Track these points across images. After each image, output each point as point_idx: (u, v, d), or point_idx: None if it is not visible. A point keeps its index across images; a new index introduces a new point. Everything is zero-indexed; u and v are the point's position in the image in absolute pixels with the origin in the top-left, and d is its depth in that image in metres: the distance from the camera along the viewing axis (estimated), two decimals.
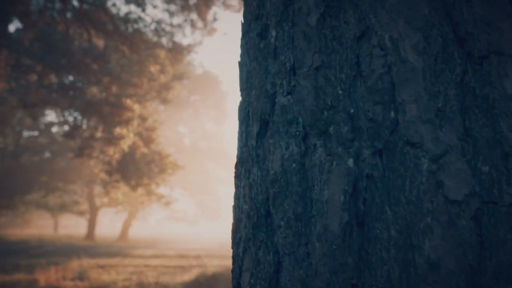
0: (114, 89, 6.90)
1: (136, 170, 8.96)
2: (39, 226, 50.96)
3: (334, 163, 0.74)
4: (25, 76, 7.28)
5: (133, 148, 8.42)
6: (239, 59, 1.19)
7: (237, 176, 1.05)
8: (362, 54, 0.76)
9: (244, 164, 0.96)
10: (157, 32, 8.95)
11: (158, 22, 9.49)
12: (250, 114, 0.97)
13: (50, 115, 30.48)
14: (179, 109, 32.72)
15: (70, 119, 32.56)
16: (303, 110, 0.78)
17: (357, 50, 0.77)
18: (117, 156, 8.21)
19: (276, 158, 0.83)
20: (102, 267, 15.59)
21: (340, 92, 0.76)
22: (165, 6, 8.97)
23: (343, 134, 0.74)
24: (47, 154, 30.87)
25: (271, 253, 0.85)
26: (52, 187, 30.46)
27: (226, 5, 10.17)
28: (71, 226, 60.94)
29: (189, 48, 8.79)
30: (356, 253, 0.71)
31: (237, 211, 1.05)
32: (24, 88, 6.83)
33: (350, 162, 0.72)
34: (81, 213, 32.79)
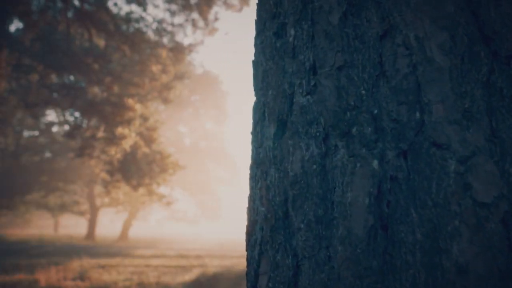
0: (115, 88, 6.88)
1: (138, 170, 8.94)
2: (39, 226, 50.93)
3: (358, 164, 0.72)
4: (26, 76, 7.25)
5: (134, 148, 8.40)
6: (252, 58, 1.18)
7: (252, 178, 1.03)
8: (385, 53, 0.75)
9: (260, 165, 0.95)
10: (158, 31, 8.93)
11: (159, 21, 9.48)
12: (266, 114, 0.95)
13: (50, 115, 30.46)
14: (179, 109, 32.70)
15: (71, 119, 32.57)
16: (324, 110, 0.77)
17: (380, 49, 0.75)
18: (118, 156, 8.18)
19: (296, 159, 0.82)
20: (102, 267, 15.57)
21: (363, 92, 0.74)
22: (166, 5, 8.94)
23: (367, 135, 0.73)
24: (47, 154, 30.86)
25: (290, 256, 0.83)
26: (52, 187, 30.43)
27: (227, 5, 10.15)
28: (71, 226, 60.92)
29: (190, 48, 8.77)
30: (380, 257, 0.70)
31: (252, 213, 1.03)
32: (26, 88, 6.80)
33: (375, 163, 0.71)
34: (81, 213, 32.77)
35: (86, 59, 6.88)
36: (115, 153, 7.98)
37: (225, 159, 36.34)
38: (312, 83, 0.82)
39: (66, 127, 32.52)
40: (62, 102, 9.21)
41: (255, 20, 1.12)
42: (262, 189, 0.92)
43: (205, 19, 9.17)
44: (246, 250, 1.12)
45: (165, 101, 9.79)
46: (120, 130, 7.48)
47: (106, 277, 13.10)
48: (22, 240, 28.29)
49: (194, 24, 9.15)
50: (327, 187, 0.78)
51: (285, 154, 0.86)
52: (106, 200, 31.29)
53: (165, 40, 8.89)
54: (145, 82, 8.29)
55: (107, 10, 9.85)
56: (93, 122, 8.83)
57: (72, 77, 7.23)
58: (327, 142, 0.78)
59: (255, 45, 1.07)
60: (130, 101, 7.20)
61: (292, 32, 0.85)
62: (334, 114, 0.76)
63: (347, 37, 0.77)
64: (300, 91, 0.84)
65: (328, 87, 0.77)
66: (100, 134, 7.75)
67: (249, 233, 1.04)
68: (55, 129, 32.54)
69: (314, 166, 0.79)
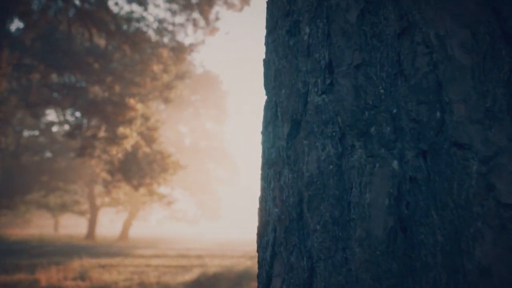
0: (117, 88, 6.85)
1: (138, 170, 8.92)
2: (39, 225, 50.92)
3: (377, 165, 0.71)
4: (27, 76, 7.24)
5: (135, 147, 8.38)
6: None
7: (263, 178, 1.02)
8: (403, 51, 0.73)
9: (273, 166, 0.94)
10: (159, 31, 8.90)
11: (160, 21, 9.46)
12: (279, 114, 0.94)
13: (50, 115, 30.43)
14: (179, 109, 32.68)
15: (71, 118, 32.53)
16: (342, 109, 0.76)
17: (398, 47, 0.74)
18: (120, 155, 8.16)
19: (311, 159, 0.80)
20: (103, 267, 15.56)
21: (381, 91, 0.73)
22: (167, 5, 8.93)
23: (386, 135, 0.71)
24: (48, 154, 30.84)
25: (305, 258, 0.82)
26: (53, 187, 30.42)
27: (228, 4, 10.12)
28: (71, 226, 60.89)
29: (191, 48, 8.74)
30: (400, 259, 0.68)
31: (263, 214, 1.02)
32: (26, 88, 6.78)
33: (395, 164, 0.69)
34: (81, 213, 32.75)
35: (87, 59, 6.86)
36: (116, 152, 7.95)
37: (225, 159, 36.33)
38: (328, 82, 0.80)
39: (66, 127, 32.50)
40: (63, 102, 9.19)
41: (266, 18, 1.10)
42: (275, 189, 0.91)
43: (206, 18, 9.15)
44: (258, 251, 1.11)
45: (166, 100, 9.78)
46: (121, 129, 7.45)
47: (107, 277, 13.09)
48: (22, 240, 28.27)
49: (195, 24, 9.13)
50: (343, 188, 0.77)
51: (299, 154, 0.84)
52: (107, 200, 31.27)
53: (166, 39, 8.88)
54: (146, 82, 8.26)
55: (107, 9, 9.83)
56: (94, 122, 8.80)
57: (73, 77, 7.20)
58: (344, 142, 0.77)
59: (266, 43, 1.06)
60: (131, 101, 7.17)
61: (307, 30, 0.84)
62: (351, 114, 0.74)
63: (364, 35, 0.75)
64: (315, 90, 0.82)
65: (345, 86, 0.76)
66: (102, 133, 7.72)
67: (261, 234, 1.03)
68: (55, 129, 32.53)
69: (331, 167, 0.77)
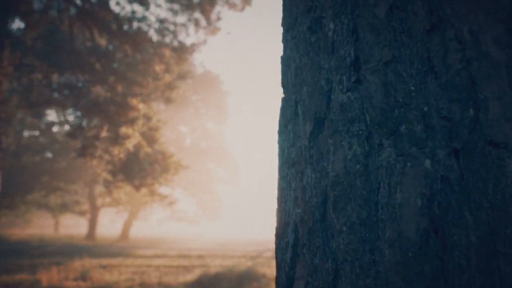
0: (119, 88, 6.82)
1: (140, 170, 8.89)
2: (39, 226, 50.90)
3: (408, 164, 0.69)
4: (28, 76, 7.21)
5: (137, 147, 8.36)
6: (281, 53, 1.14)
7: (283, 178, 1.00)
8: (433, 48, 0.71)
9: (294, 165, 0.92)
10: (161, 31, 8.88)
11: (162, 21, 9.44)
12: (299, 112, 0.92)
13: (51, 115, 30.42)
14: (180, 109, 32.64)
15: (71, 118, 32.50)
16: (370, 107, 0.74)
17: (427, 44, 0.72)
18: (122, 156, 8.14)
19: (337, 159, 0.78)
20: (104, 267, 15.55)
21: (412, 88, 0.71)
22: (168, 5, 8.90)
23: (417, 133, 0.70)
24: (48, 154, 30.81)
25: (329, 260, 0.80)
26: (53, 187, 30.39)
27: (229, 4, 10.10)
28: (72, 226, 60.85)
29: (193, 47, 8.72)
30: (433, 260, 0.67)
31: (283, 215, 1.00)
32: (28, 88, 6.76)
33: (427, 163, 0.67)
34: (82, 213, 32.72)
35: (89, 59, 6.84)
36: (118, 153, 7.93)
37: (226, 159, 36.31)
38: (353, 79, 0.78)
39: (67, 127, 32.48)
40: (65, 102, 9.17)
41: (284, 16, 1.08)
42: (297, 190, 0.89)
43: (207, 18, 9.13)
44: (276, 253, 1.08)
45: (167, 101, 9.75)
46: (124, 130, 7.43)
47: (108, 277, 13.07)
48: (23, 240, 28.25)
49: (196, 24, 9.11)
50: (370, 188, 0.75)
51: (323, 154, 0.82)
52: (108, 200, 31.25)
53: (167, 39, 8.85)
54: (148, 82, 8.24)
55: (108, 9, 9.81)
56: (95, 121, 8.77)
57: (75, 77, 7.18)
58: (370, 140, 0.75)
59: (285, 40, 1.04)
60: (133, 101, 7.15)
61: (331, 26, 0.82)
62: (381, 112, 0.72)
63: (393, 31, 0.73)
64: (340, 87, 0.80)
65: (374, 83, 0.74)
66: (104, 133, 7.70)
67: (280, 236, 1.01)
68: (55, 129, 32.51)
69: (357, 166, 0.75)
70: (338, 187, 0.78)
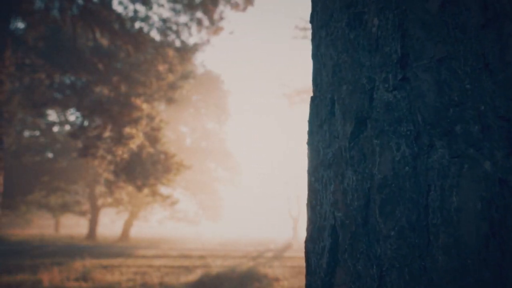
0: (123, 88, 6.78)
1: (143, 170, 8.85)
2: (39, 226, 50.85)
3: (466, 166, 0.65)
4: (31, 76, 7.17)
5: (140, 148, 8.31)
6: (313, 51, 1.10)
7: (317, 180, 0.96)
8: (488, 44, 0.68)
9: (332, 167, 0.88)
10: (163, 31, 8.84)
11: (164, 20, 9.41)
12: (337, 112, 0.88)
13: (51, 115, 30.34)
14: (180, 109, 32.60)
15: (72, 118, 32.44)
16: (422, 106, 0.70)
17: (482, 39, 0.69)
18: (126, 156, 8.09)
19: (384, 160, 0.75)
20: (105, 267, 15.50)
21: (468, 86, 0.67)
22: (171, 5, 8.86)
23: (474, 133, 0.66)
24: (49, 154, 30.78)
25: (374, 266, 0.77)
26: (54, 187, 30.34)
27: (232, 4, 10.04)
28: (72, 226, 60.79)
29: (196, 47, 8.68)
30: (493, 267, 0.63)
31: (317, 218, 0.96)
32: (31, 88, 6.72)
33: (487, 164, 0.64)
34: (82, 213, 32.67)
35: (93, 58, 6.80)
36: (122, 153, 7.88)
37: (226, 159, 36.26)
38: (400, 77, 0.75)
39: (67, 127, 32.43)
40: (68, 102, 9.13)
41: (314, 12, 1.05)
42: (336, 193, 0.85)
43: (210, 18, 9.09)
44: (308, 258, 1.05)
45: (170, 101, 9.71)
46: (128, 130, 7.38)
47: (109, 277, 13.02)
48: (23, 240, 28.19)
49: (199, 23, 9.07)
50: (419, 191, 0.71)
51: (366, 155, 0.79)
52: (110, 200, 31.21)
53: (170, 39, 8.81)
54: (152, 82, 8.19)
55: (110, 9, 9.78)
56: (97, 121, 8.72)
57: (78, 77, 7.14)
58: (419, 141, 0.72)
59: (317, 38, 1.00)
60: (137, 101, 7.10)
61: (376, 22, 0.78)
62: (434, 111, 0.69)
63: (446, 26, 0.70)
64: (386, 86, 0.77)
65: (426, 81, 0.70)
66: (107, 133, 7.65)
67: (313, 240, 0.98)
68: (55, 129, 32.45)
69: (406, 168, 0.72)
70: (385, 190, 0.74)
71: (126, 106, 6.78)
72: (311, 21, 1.10)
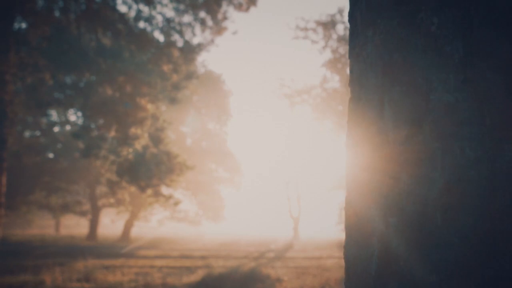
0: (128, 88, 6.75)
1: (146, 171, 8.81)
2: (40, 226, 50.77)
3: None
4: (36, 76, 7.14)
5: (144, 148, 8.28)
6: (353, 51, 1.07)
7: (364, 183, 0.93)
8: None
9: (384, 170, 0.85)
10: (167, 31, 8.81)
11: (168, 20, 9.38)
12: (387, 113, 0.85)
13: (52, 115, 30.24)
14: (181, 109, 32.58)
15: (73, 118, 32.38)
16: (491, 108, 0.67)
17: None
18: (130, 156, 8.06)
19: (447, 164, 0.72)
20: (106, 268, 15.45)
21: None
22: (174, 4, 8.83)
23: None
24: (49, 154, 30.72)
25: (434, 274, 0.73)
26: (55, 188, 30.28)
27: (234, 5, 10.00)
28: (72, 226, 60.70)
29: (201, 47, 8.65)
30: None
31: (364, 223, 0.93)
32: (35, 88, 6.69)
33: None
34: (83, 214, 32.61)
35: (97, 58, 6.77)
36: (127, 153, 7.84)
37: (227, 159, 36.22)
38: (462, 77, 0.72)
39: (68, 127, 32.35)
40: (73, 102, 9.09)
41: (360, 10, 1.02)
42: (389, 197, 0.83)
43: (214, 18, 9.06)
44: (350, 263, 1.02)
45: (173, 101, 9.67)
46: (133, 130, 7.35)
47: (111, 278, 12.98)
48: (24, 241, 28.13)
49: (203, 23, 9.05)
50: (485, 196, 0.69)
51: (424, 159, 0.76)
52: (112, 200, 31.16)
53: (173, 39, 8.78)
54: (157, 82, 8.16)
55: (114, 9, 9.75)
56: (102, 122, 8.68)
57: (83, 77, 7.11)
58: (485, 144, 0.69)
59: (363, 37, 0.97)
60: (142, 101, 7.07)
61: (435, 20, 0.75)
62: (503, 113, 0.66)
63: None
64: (445, 87, 0.74)
65: (495, 82, 0.67)
66: (112, 133, 7.62)
67: (359, 245, 0.95)
68: (56, 129, 32.40)
69: (472, 172, 0.69)
70: (448, 195, 0.71)
71: (131, 106, 6.75)
72: (351, 20, 1.07)
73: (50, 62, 6.32)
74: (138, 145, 7.51)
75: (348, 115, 1.06)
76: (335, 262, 18.60)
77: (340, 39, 30.27)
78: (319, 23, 30.17)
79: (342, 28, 30.31)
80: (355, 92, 1.01)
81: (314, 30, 30.54)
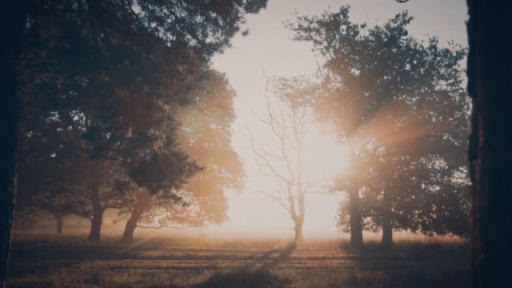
0: (146, 88, 6.71)
1: (158, 172, 8.77)
2: (41, 226, 50.71)
3: None
4: (53, 76, 7.11)
5: (156, 149, 8.25)
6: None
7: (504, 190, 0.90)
8: None
9: None
10: (179, 31, 8.78)
11: (179, 20, 9.34)
12: None
13: (53, 115, 30.19)
14: (184, 109, 32.54)
15: (75, 118, 32.29)
16: None
17: None
18: (147, 158, 8.02)
19: None
20: (112, 268, 15.43)
21: None
22: (185, 4, 8.80)
23: None
24: (52, 155, 30.67)
25: None
26: (57, 188, 30.23)
27: (245, 5, 9.96)
28: (74, 227, 60.70)
29: (215, 47, 8.61)
30: None
31: (496, 225, 0.90)
32: (53, 88, 6.68)
33: None
34: (86, 214, 32.56)
35: (113, 58, 6.74)
36: (144, 154, 7.80)
37: (230, 159, 36.17)
38: None
39: (70, 128, 32.31)
40: (91, 102, 9.06)
41: (483, 10, 0.98)
42: None
43: (225, 19, 9.03)
44: (478, 268, 0.98)
45: (183, 101, 9.63)
46: (152, 131, 7.30)
47: (118, 279, 12.94)
48: (27, 241, 28.12)
49: (215, 23, 9.02)
50: None
51: None
52: (120, 201, 31.17)
53: (185, 39, 8.74)
54: (173, 82, 8.12)
55: (123, 8, 9.72)
56: (117, 122, 8.62)
57: (100, 77, 7.10)
58: None
59: (502, 32, 0.94)
60: (160, 102, 7.04)
61: None
62: None
63: None
64: None
65: None
66: (129, 134, 7.57)
67: (490, 244, 0.91)
68: (58, 129, 32.33)
69: None
70: None
71: (148, 107, 6.71)
72: (474, 18, 1.03)
73: (66, 62, 6.29)
74: (156, 146, 7.47)
75: (473, 119, 1.03)
76: (341, 263, 18.57)
77: (343, 39, 30.25)
78: (322, 23, 30.13)
79: (345, 28, 30.30)
80: (481, 95, 0.98)
81: (317, 31, 30.49)
